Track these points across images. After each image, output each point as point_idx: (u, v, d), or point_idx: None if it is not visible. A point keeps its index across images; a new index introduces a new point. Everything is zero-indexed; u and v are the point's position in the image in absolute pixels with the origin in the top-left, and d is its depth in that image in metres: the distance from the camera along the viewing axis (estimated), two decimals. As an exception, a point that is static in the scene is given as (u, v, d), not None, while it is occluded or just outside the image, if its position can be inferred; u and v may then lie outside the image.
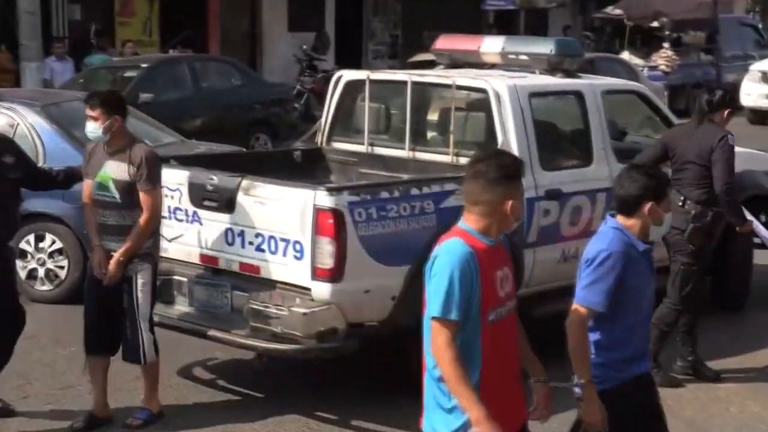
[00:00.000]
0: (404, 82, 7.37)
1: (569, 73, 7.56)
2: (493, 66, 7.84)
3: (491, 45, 7.87)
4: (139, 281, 5.77)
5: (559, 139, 7.52)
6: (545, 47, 7.63)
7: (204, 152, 9.07)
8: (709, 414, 6.15)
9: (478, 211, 3.59)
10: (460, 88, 7.16)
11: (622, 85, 8.68)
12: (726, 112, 6.74)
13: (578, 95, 7.27)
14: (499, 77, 7.18)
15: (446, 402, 3.55)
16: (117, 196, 5.75)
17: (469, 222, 3.62)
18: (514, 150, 6.67)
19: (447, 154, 7.11)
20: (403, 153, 7.38)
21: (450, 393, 3.52)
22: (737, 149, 8.88)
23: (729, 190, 6.50)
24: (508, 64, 7.75)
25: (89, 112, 5.77)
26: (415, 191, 6.10)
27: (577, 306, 4.04)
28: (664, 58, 22.04)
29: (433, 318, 3.51)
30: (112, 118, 5.76)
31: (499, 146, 6.72)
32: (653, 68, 21.55)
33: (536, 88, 7.13)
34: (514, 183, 3.61)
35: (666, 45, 22.50)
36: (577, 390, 4.00)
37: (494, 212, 3.57)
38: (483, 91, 6.92)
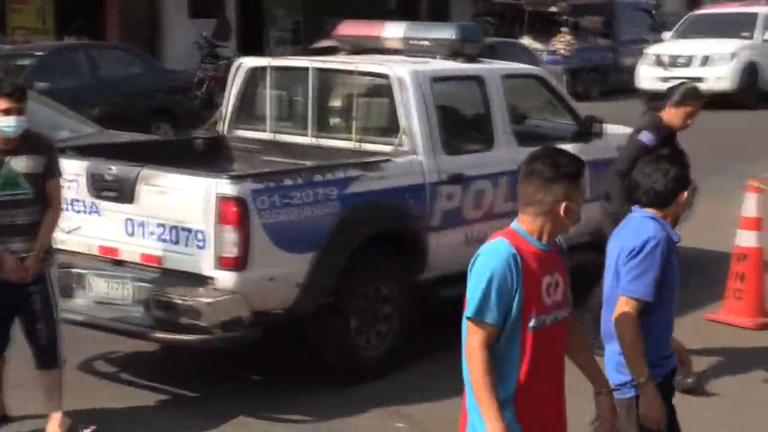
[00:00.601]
0: (306, 69, 7.34)
1: (470, 58, 7.63)
2: (396, 52, 7.86)
3: (393, 31, 7.89)
4: (52, 278, 5.57)
5: (460, 123, 7.58)
6: (447, 33, 7.68)
7: (106, 142, 8.90)
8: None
9: (532, 211, 3.40)
10: (362, 74, 7.17)
11: (522, 69, 8.79)
12: (669, 105, 6.50)
13: (479, 80, 7.34)
14: (401, 63, 7.20)
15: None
16: (30, 191, 5.44)
17: (521, 223, 3.43)
18: (417, 134, 6.72)
19: (350, 140, 7.11)
20: (306, 140, 7.35)
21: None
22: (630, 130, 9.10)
23: (614, 174, 6.54)
24: (410, 49, 7.78)
25: (6, 104, 5.34)
26: (318, 178, 6.09)
27: (627, 299, 3.90)
28: (562, 42, 22.40)
29: (468, 318, 3.34)
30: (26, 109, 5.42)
31: (401, 132, 6.76)
32: (552, 53, 21.90)
33: (438, 74, 7.17)
34: (571, 183, 3.39)
35: (564, 30, 22.86)
36: (626, 393, 3.89)
37: (548, 213, 3.38)
38: (385, 76, 6.94)
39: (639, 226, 4.00)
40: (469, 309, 3.33)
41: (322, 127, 7.40)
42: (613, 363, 3.99)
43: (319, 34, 19.24)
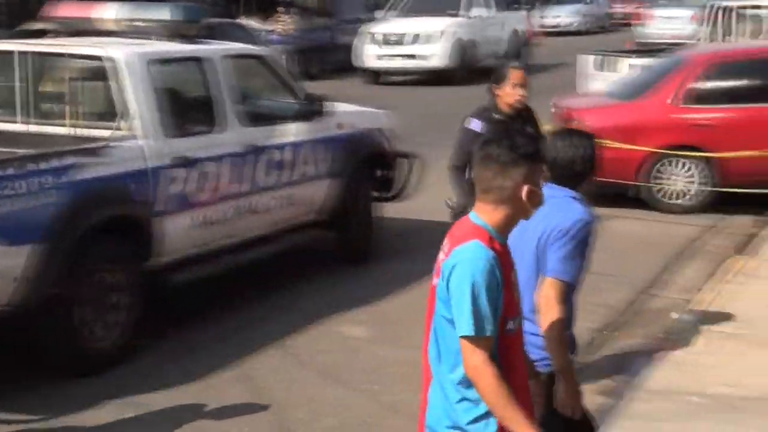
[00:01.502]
0: (11, 53, 6.97)
1: (189, 39, 7.51)
2: (113, 33, 7.60)
3: (105, 12, 7.64)
4: None
5: (183, 105, 7.44)
6: (163, 13, 7.51)
7: None
8: (343, 363, 6.42)
9: (491, 199, 3.13)
10: (75, 56, 6.88)
11: (243, 49, 8.75)
12: (502, 83, 6.02)
13: (200, 61, 7.24)
14: (116, 45, 6.98)
15: (464, 417, 3.10)
16: None
17: (482, 214, 3.15)
18: (136, 118, 6.55)
19: (64, 126, 6.82)
20: (17, 127, 6.99)
21: (475, 408, 3.08)
22: (356, 108, 9.33)
23: (451, 170, 6.23)
24: (130, 31, 7.55)
25: None
26: (32, 167, 5.80)
27: (554, 281, 3.72)
28: (281, 22, 22.51)
29: (465, 337, 3.02)
30: None
31: (118, 116, 6.56)
32: (272, 32, 21.96)
33: (156, 55, 7.00)
34: (531, 165, 3.13)
35: (281, 9, 22.98)
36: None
37: (509, 200, 3.12)
38: (98, 59, 6.70)
39: (567, 206, 3.82)
40: (464, 328, 3.02)
41: (36, 114, 7.06)
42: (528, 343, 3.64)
43: (26, 16, 18.29)
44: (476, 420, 3.08)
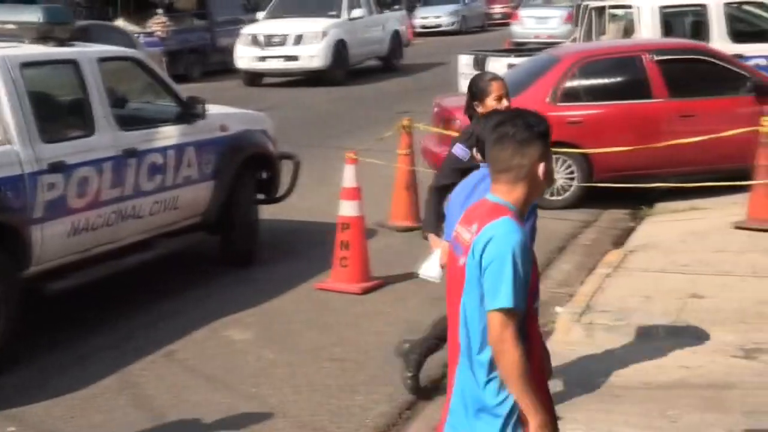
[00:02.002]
0: None
1: (61, 42, 7.33)
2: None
3: (-27, 14, 7.38)
4: None
5: (58, 110, 7.28)
6: (32, 15, 7.30)
7: None
8: (230, 367, 6.37)
9: (509, 178, 3.18)
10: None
11: (119, 52, 8.57)
12: (485, 99, 5.45)
13: (74, 64, 7.08)
14: (-16, 48, 6.76)
15: (492, 399, 3.13)
16: None
17: (500, 194, 3.20)
18: (9, 123, 6.37)
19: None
20: None
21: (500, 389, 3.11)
22: (237, 110, 9.27)
23: (431, 191, 5.63)
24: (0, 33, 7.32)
25: None
26: None
27: None
28: (158, 24, 22.16)
29: (499, 310, 3.04)
30: None
31: (-8, 121, 6.37)
32: (149, 35, 21.61)
33: (27, 58, 6.81)
34: (544, 143, 3.21)
35: (159, 11, 22.64)
36: None
37: (526, 178, 3.17)
38: (-34, 63, 6.49)
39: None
40: (502, 300, 3.05)
41: None
42: None
43: None
44: (504, 402, 3.12)
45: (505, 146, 3.18)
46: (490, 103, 5.39)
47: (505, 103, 5.40)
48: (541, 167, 3.18)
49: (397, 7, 26.38)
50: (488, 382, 3.13)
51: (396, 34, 23.97)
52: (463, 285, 3.20)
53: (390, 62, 23.63)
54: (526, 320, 3.14)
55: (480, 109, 5.43)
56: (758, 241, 8.40)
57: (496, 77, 5.57)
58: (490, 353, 3.11)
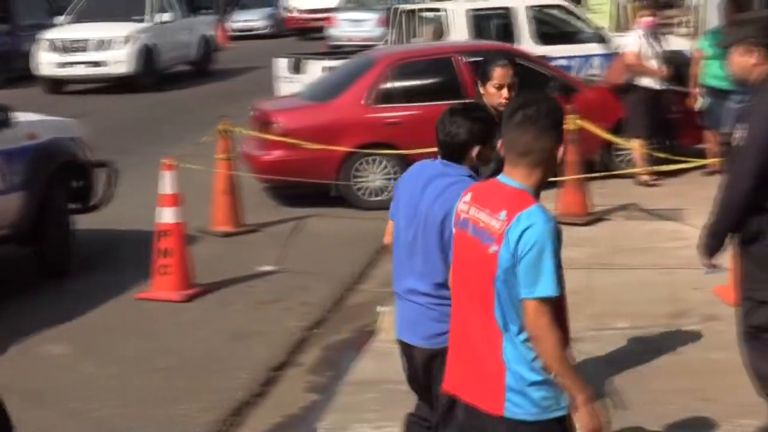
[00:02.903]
0: None
1: None
2: None
3: None
4: None
5: None
6: None
7: None
8: (50, 383, 6.14)
9: (529, 162, 3.22)
10: None
11: None
12: (487, 82, 5.10)
13: None
14: None
15: (536, 375, 3.23)
16: None
17: (519, 178, 3.24)
18: None
19: None
20: None
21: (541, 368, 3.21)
22: (45, 117, 8.94)
23: None
24: None
25: None
26: None
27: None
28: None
29: (539, 298, 3.12)
30: None
31: None
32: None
33: None
34: (561, 127, 3.30)
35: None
36: None
37: (546, 161, 3.23)
38: None
39: (465, 186, 3.75)
40: (542, 288, 3.13)
41: None
42: None
43: None
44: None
45: (528, 129, 3.23)
46: (491, 89, 5.08)
47: (505, 93, 5.04)
48: (560, 150, 3.28)
49: (207, 11, 26.01)
50: (536, 358, 3.23)
51: (205, 39, 23.61)
52: (488, 271, 3.23)
53: (202, 66, 23.26)
54: (560, 302, 3.25)
55: (482, 90, 5.12)
56: (567, 235, 8.73)
57: (502, 64, 5.10)
58: (527, 333, 3.23)
